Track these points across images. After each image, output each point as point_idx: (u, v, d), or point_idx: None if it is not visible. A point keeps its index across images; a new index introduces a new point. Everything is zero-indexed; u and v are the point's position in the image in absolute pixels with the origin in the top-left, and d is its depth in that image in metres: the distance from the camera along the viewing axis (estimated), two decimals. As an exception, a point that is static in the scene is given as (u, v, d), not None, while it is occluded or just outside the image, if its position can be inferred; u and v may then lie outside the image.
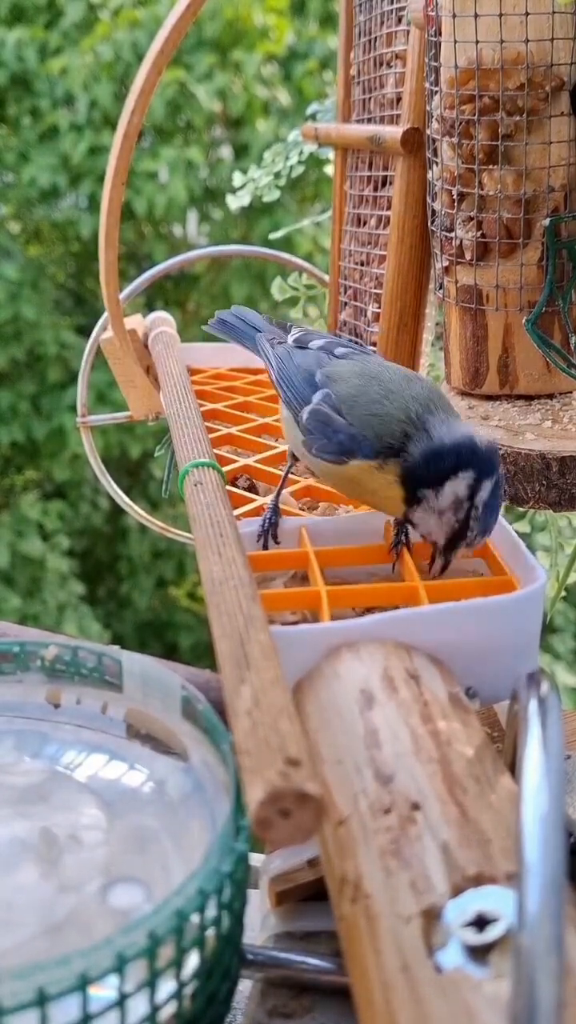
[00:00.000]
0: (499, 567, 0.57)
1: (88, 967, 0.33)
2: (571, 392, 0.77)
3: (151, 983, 0.35)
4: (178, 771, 0.47)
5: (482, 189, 0.72)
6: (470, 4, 0.69)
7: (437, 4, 0.71)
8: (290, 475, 0.66)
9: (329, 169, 1.00)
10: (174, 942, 0.36)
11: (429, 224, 0.78)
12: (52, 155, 3.84)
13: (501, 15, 0.68)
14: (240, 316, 0.73)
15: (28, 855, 0.42)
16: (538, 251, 0.72)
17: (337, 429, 0.57)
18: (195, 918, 0.37)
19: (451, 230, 0.75)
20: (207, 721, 0.46)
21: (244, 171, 1.11)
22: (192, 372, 0.95)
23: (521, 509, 0.71)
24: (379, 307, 0.85)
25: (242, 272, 3.94)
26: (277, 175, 1.08)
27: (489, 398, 0.77)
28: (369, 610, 0.56)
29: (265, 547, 0.60)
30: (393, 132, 0.81)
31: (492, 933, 0.35)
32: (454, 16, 0.70)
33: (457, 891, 0.37)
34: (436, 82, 0.73)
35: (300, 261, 1.07)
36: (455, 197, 0.73)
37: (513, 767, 0.43)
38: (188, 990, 0.38)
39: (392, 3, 0.84)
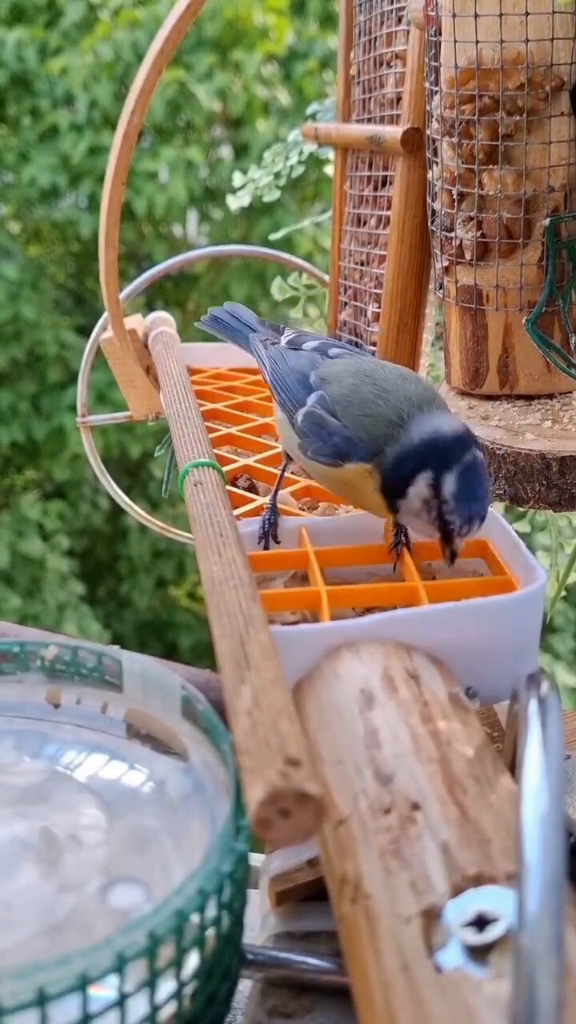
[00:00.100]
0: (499, 567, 0.57)
1: (88, 967, 0.33)
2: (571, 392, 0.77)
3: (151, 983, 0.35)
4: (178, 771, 0.47)
5: (482, 189, 0.72)
6: (470, 4, 0.69)
7: (437, 4, 0.71)
8: (287, 475, 0.66)
9: (329, 169, 1.00)
10: (174, 942, 0.36)
11: (429, 224, 0.78)
12: (52, 155, 3.84)
13: (501, 15, 0.68)
14: (234, 313, 0.73)
15: (28, 855, 0.42)
16: (538, 251, 0.72)
17: (332, 431, 0.57)
18: (195, 918, 0.37)
19: (451, 230, 0.75)
20: (207, 721, 0.46)
21: (244, 171, 1.11)
22: (192, 372, 0.95)
23: (521, 509, 0.71)
24: (379, 307, 0.85)
25: (242, 272, 3.94)
26: (277, 175, 1.08)
27: (489, 398, 0.77)
28: (369, 610, 0.56)
29: (266, 548, 0.60)
30: (393, 132, 0.81)
31: (492, 933, 0.35)
32: (454, 16, 0.70)
33: (457, 891, 0.37)
34: (436, 82, 0.73)
35: (300, 261, 1.07)
36: (455, 197, 0.73)
37: (513, 767, 0.43)
38: (188, 990, 0.38)
39: (392, 3, 0.84)
